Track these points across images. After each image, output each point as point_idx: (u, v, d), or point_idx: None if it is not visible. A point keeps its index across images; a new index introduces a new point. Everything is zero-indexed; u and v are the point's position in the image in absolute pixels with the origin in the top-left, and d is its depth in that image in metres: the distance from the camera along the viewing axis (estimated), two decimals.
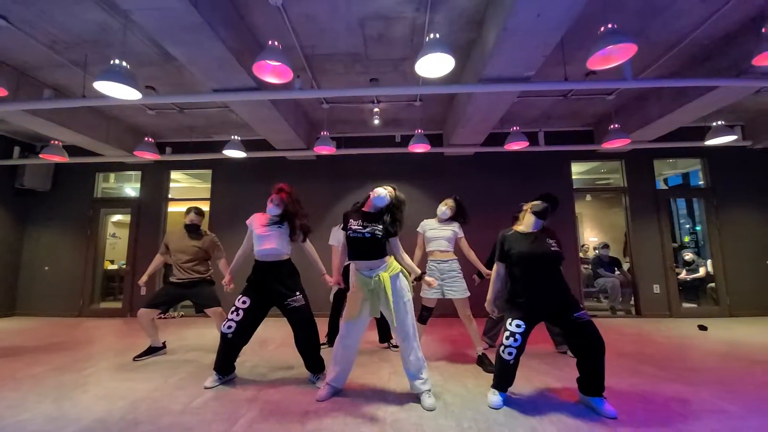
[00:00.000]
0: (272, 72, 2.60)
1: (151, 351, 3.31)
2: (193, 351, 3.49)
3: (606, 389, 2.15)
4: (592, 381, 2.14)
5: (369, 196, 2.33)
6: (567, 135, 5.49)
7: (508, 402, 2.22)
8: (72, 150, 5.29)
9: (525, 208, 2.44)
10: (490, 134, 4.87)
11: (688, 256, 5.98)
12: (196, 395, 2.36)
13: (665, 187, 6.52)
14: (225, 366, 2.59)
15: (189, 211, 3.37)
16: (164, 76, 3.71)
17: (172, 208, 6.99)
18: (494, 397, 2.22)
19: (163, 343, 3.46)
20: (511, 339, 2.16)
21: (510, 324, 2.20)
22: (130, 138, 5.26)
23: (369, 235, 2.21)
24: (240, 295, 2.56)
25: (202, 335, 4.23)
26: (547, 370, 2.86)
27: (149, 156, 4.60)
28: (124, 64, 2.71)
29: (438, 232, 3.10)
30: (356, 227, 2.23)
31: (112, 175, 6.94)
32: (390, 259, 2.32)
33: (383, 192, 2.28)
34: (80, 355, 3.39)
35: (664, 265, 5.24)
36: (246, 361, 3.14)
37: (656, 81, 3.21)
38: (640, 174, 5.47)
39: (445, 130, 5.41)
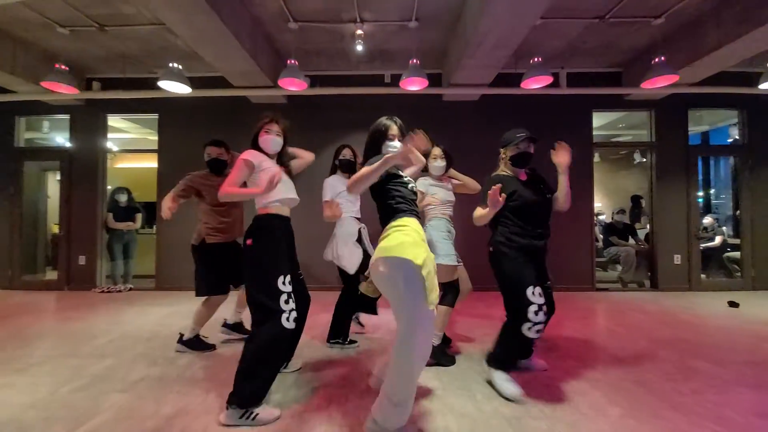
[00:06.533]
0: None
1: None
2: (119, 341, 2.71)
3: (663, 398, 1.80)
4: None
5: None
6: (590, 78, 4.56)
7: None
8: None
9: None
10: (498, 76, 3.95)
11: (708, 220, 5.35)
12: (82, 421, 1.59)
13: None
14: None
15: (205, 146, 2.52)
16: None
17: (121, 164, 5.98)
18: (512, 386, 1.75)
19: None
20: (541, 313, 1.71)
21: (532, 293, 1.72)
22: (45, 69, 4.11)
23: None
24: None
25: (143, 315, 3.44)
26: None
27: (63, 89, 3.54)
28: None
29: (444, 192, 2.34)
30: None
31: (46, 122, 5.80)
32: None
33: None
34: None
35: (687, 233, 4.60)
36: (147, 375, 2.37)
37: None
38: (671, 127, 4.67)
39: (445, 68, 4.41)
